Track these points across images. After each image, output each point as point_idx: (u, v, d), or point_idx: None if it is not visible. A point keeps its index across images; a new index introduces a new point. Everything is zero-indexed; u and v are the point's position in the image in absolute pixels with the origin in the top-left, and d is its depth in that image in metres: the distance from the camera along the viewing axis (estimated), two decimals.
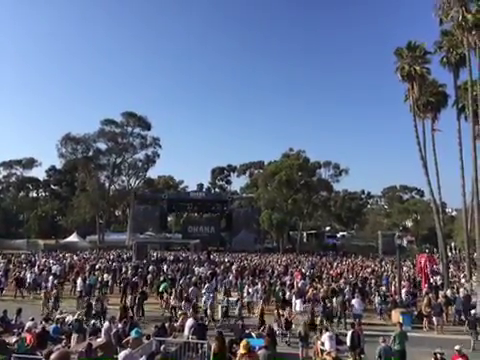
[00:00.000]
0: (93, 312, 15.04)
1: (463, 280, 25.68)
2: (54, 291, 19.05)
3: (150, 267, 27.43)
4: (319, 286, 20.80)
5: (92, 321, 13.15)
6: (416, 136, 25.30)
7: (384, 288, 21.69)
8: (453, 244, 60.22)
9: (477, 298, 19.25)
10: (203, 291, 18.78)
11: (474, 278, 22.82)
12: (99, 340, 11.39)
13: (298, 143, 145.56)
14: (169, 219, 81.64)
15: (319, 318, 15.70)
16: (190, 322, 12.23)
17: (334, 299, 17.62)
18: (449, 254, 40.06)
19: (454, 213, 70.46)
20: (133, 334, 10.13)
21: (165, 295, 18.56)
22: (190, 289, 18.93)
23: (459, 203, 26.59)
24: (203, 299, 17.71)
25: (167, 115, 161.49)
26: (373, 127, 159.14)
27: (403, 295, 19.70)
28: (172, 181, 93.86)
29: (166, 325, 12.19)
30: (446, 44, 25.10)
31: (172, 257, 39.67)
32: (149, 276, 23.91)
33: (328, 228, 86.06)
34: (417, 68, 24.67)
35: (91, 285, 20.91)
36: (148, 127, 63.53)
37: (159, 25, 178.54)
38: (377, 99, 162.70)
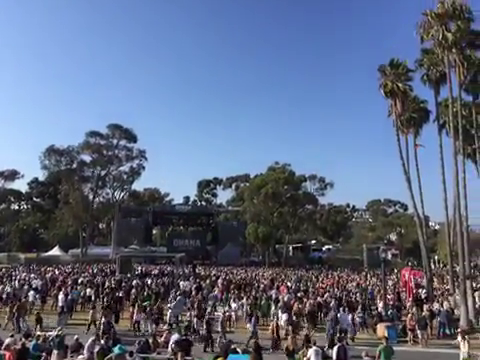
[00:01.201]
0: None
1: (446, 293, 25.99)
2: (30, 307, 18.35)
3: (134, 281, 27.01)
4: (305, 300, 20.73)
5: (75, 336, 12.78)
6: (399, 151, 25.73)
7: (381, 304, 21.35)
8: (436, 257, 60.98)
9: (460, 311, 19.52)
10: (169, 305, 18.60)
11: (457, 291, 23.07)
12: (81, 357, 11.08)
13: (284, 157, 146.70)
14: (154, 232, 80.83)
15: (307, 331, 15.61)
16: (174, 337, 12.05)
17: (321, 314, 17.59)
18: (433, 267, 40.49)
19: (437, 227, 71.59)
20: (116, 350, 9.91)
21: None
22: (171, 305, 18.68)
23: (442, 217, 26.99)
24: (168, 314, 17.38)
25: (153, 127, 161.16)
26: (358, 141, 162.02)
27: (380, 308, 19.78)
28: (158, 194, 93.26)
29: (150, 341, 11.97)
30: (427, 62, 25.72)
31: (157, 271, 39.10)
32: (133, 291, 23.48)
33: (314, 241, 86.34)
34: (400, 85, 25.22)
35: (73, 300, 20.43)
36: (134, 139, 63.32)
37: (146, 38, 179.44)
38: (362, 114, 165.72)
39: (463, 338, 12.53)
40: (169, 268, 42.62)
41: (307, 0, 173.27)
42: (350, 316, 17.17)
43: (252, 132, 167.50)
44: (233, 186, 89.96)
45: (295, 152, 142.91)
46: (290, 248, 72.71)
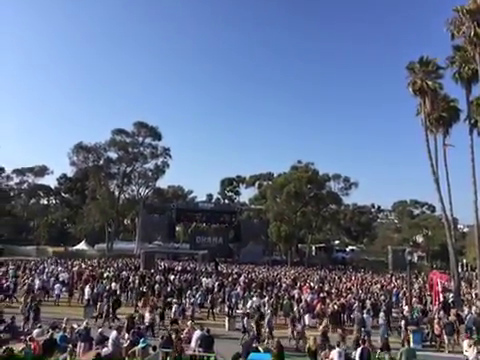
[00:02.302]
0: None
1: (475, 297, 25.19)
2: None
3: (157, 277, 27.40)
4: (328, 301, 20.53)
5: (99, 329, 13.11)
6: (428, 151, 25.14)
7: (406, 307, 20.90)
8: (465, 261, 59.12)
9: None
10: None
11: None
12: (105, 350, 11.36)
13: (307, 156, 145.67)
14: (177, 229, 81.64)
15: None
16: (197, 333, 12.16)
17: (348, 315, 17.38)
18: (460, 271, 39.32)
19: (466, 229, 69.35)
20: (140, 344, 10.10)
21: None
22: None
23: (471, 219, 26.17)
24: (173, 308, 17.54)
25: (178, 126, 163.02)
26: (384, 140, 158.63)
27: (405, 312, 19.36)
28: (181, 191, 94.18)
29: (172, 336, 12.11)
30: (458, 59, 24.99)
31: (180, 267, 39.55)
32: (156, 286, 23.84)
33: (337, 242, 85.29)
34: (429, 83, 24.64)
35: (99, 293, 20.92)
36: (159, 137, 64.07)
37: (171, 32, 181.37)
38: (388, 113, 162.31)
39: (473, 344, 12.23)
40: (192, 265, 43.02)
41: None
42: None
43: (275, 131, 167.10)
44: (256, 184, 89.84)
45: (319, 151, 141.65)
46: (313, 248, 72.06)
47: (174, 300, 19.39)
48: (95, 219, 63.26)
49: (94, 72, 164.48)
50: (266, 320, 15.61)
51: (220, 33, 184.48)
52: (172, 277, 28.79)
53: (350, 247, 79.67)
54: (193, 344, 11.90)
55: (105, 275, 27.84)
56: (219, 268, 40.42)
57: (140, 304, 19.61)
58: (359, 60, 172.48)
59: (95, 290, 20.87)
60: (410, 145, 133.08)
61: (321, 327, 14.41)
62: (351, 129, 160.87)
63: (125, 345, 11.33)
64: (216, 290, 24.28)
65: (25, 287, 21.61)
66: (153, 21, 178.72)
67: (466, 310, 19.29)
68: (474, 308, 19.99)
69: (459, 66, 25.06)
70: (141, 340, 10.51)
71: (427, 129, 25.80)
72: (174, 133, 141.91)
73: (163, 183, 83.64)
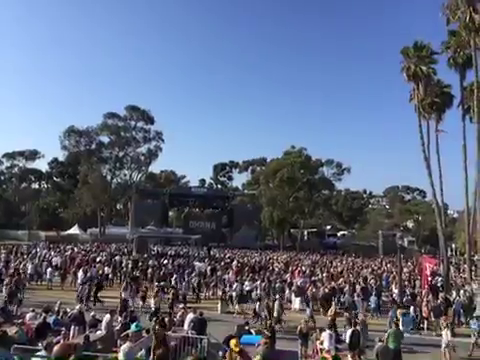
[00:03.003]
0: None
1: (459, 281, 25.70)
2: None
3: (150, 261, 27.50)
4: (319, 285, 20.79)
5: (92, 313, 13.17)
6: (420, 137, 25.22)
7: (396, 290, 21.37)
8: (454, 246, 60.10)
9: (477, 300, 19.24)
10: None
11: (475, 280, 22.77)
12: (99, 333, 11.42)
13: (300, 141, 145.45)
14: (170, 214, 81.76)
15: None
16: (190, 316, 12.26)
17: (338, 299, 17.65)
18: (450, 255, 39.97)
19: (456, 215, 70.28)
20: (133, 328, 10.14)
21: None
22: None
23: (461, 205, 26.52)
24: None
25: (170, 110, 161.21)
26: (377, 126, 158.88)
27: (395, 295, 19.71)
28: (174, 176, 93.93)
29: (165, 319, 12.19)
30: (453, 44, 24.89)
31: (173, 252, 39.70)
32: (149, 270, 23.95)
33: (329, 227, 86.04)
34: (423, 68, 24.53)
35: (92, 277, 20.96)
36: (151, 121, 63.56)
37: (162, 23, 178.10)
38: (381, 98, 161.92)
39: (447, 326, 12.54)
40: (185, 249, 43.19)
41: None
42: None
43: (269, 116, 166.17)
44: (249, 170, 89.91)
45: (312, 136, 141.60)
46: (305, 233, 72.69)
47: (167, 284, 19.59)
48: (87, 204, 62.97)
49: (83, 56, 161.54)
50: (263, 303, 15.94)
51: (211, 20, 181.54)
52: (165, 261, 28.96)
53: (341, 232, 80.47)
54: (186, 327, 12.00)
55: (98, 259, 27.87)
56: (212, 253, 40.67)
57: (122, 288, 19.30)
58: (352, 44, 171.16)
59: (88, 274, 20.91)
60: (403, 131, 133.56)
61: (330, 313, 14.41)
62: (345, 115, 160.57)
63: (117, 328, 11.40)
64: (209, 274, 24.47)
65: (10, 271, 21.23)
66: (140, 5, 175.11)
67: (454, 294, 19.66)
68: (462, 292, 20.39)
69: (454, 51, 25.00)
70: (134, 324, 10.55)
71: (420, 115, 25.84)
72: (167, 117, 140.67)
73: (156, 168, 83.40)
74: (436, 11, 23.01)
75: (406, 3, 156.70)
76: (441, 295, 19.02)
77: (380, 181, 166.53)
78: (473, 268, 24.27)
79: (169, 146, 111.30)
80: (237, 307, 17.84)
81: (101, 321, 12.03)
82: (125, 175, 66.29)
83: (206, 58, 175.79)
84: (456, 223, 62.16)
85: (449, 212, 66.76)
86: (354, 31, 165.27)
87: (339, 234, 77.94)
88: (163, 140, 64.84)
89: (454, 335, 13.96)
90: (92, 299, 17.90)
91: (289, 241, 68.34)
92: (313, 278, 23.44)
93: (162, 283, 20.01)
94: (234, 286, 19.38)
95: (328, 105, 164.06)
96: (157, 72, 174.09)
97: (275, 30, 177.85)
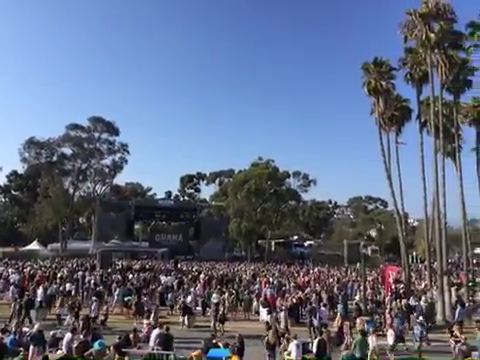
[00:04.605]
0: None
1: (424, 288, 26.60)
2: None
3: (114, 276, 26.77)
4: (287, 295, 20.89)
5: (51, 332, 12.58)
6: (381, 149, 26.09)
7: (357, 297, 21.94)
8: (415, 253, 62.26)
9: (437, 306, 19.98)
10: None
11: (435, 287, 23.64)
12: (59, 352, 10.91)
13: (268, 152, 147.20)
14: (136, 227, 79.94)
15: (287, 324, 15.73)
16: (156, 332, 11.95)
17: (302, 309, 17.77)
18: (411, 263, 41.31)
19: (416, 223, 72.97)
20: (96, 346, 9.79)
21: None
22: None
23: (421, 214, 27.51)
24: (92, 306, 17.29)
25: (136, 122, 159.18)
26: (342, 138, 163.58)
27: (358, 302, 20.12)
28: (140, 188, 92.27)
29: (130, 336, 11.85)
30: (410, 61, 26.05)
31: (138, 266, 38.76)
32: (114, 285, 23.23)
33: (296, 237, 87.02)
34: (383, 83, 25.53)
35: (52, 295, 20.09)
36: (116, 132, 62.49)
37: (127, 29, 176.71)
38: (345, 112, 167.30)
39: (374, 332, 12.98)
40: (151, 263, 42.32)
41: None
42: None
43: (236, 128, 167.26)
44: (216, 181, 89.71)
45: (279, 148, 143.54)
46: (272, 243, 73.07)
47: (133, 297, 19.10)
48: (48, 218, 60.68)
49: (45, 64, 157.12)
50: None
51: (175, 27, 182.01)
52: (130, 276, 28.23)
53: (308, 242, 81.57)
54: (152, 343, 11.69)
55: (59, 275, 26.77)
56: (179, 266, 40.08)
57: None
58: (317, 58, 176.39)
59: (48, 291, 20.03)
60: (366, 143, 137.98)
61: (336, 322, 15.02)
62: (312, 127, 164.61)
63: (75, 346, 10.88)
64: (176, 288, 24.05)
65: None
66: (105, 13, 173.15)
67: (412, 300, 20.27)
68: (423, 298, 21.10)
69: (411, 68, 26.15)
70: (97, 342, 10.18)
71: (381, 127, 26.77)
72: (133, 129, 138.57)
73: (121, 180, 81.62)
74: (395, 29, 23.88)
75: (371, 21, 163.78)
76: (403, 302, 19.59)
77: (345, 191, 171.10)
78: (433, 275, 25.17)
79: (135, 158, 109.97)
80: (181, 319, 17.54)
81: (62, 339, 11.52)
82: (88, 188, 64.60)
83: (171, 68, 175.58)
84: (416, 231, 64.55)
85: (409, 221, 69.18)
86: (318, 44, 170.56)
87: (306, 244, 78.94)
88: (128, 152, 63.98)
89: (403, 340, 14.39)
90: (22, 318, 16.66)
91: (257, 252, 68.48)
92: (282, 289, 23.55)
93: (126, 298, 19.47)
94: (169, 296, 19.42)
95: (296, 118, 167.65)
96: (122, 82, 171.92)
97: (241, 37, 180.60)
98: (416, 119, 27.20)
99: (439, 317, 20.36)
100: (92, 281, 24.27)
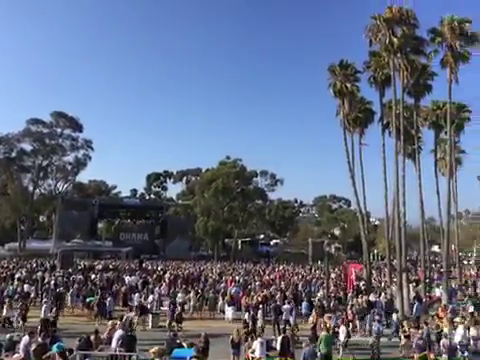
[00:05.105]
0: None
1: (384, 284, 27.54)
2: None
3: (74, 276, 26.00)
4: (252, 293, 21.01)
5: (8, 335, 12.01)
6: (345, 149, 26.78)
7: (320, 294, 22.38)
8: (376, 251, 64.32)
9: (396, 302, 20.70)
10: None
11: (394, 284, 24.48)
12: (16, 356, 10.42)
13: (235, 152, 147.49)
14: (100, 226, 77.96)
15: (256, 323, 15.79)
16: (118, 333, 11.67)
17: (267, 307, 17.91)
18: (372, 260, 42.62)
19: (377, 222, 75.39)
20: (55, 349, 9.41)
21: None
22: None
23: (382, 213, 28.44)
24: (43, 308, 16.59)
25: (101, 117, 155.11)
26: (308, 139, 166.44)
27: (321, 299, 20.58)
28: (104, 186, 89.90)
29: (91, 337, 11.50)
30: (374, 64, 26.80)
31: (101, 266, 37.76)
32: (75, 286, 22.50)
33: (262, 236, 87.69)
34: (348, 85, 26.20)
35: (9, 297, 19.20)
36: (79, 128, 60.80)
37: (92, 21, 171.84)
38: (311, 113, 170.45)
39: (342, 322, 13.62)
40: (115, 263, 41.39)
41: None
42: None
43: (204, 127, 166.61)
44: (184, 180, 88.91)
45: (247, 148, 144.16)
46: (239, 242, 73.37)
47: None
48: (6, 216, 58.21)
49: (7, 56, 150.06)
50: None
51: (152, 17, 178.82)
52: (93, 276, 27.47)
53: (274, 241, 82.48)
54: (114, 344, 11.40)
55: (17, 276, 25.63)
56: (144, 265, 39.41)
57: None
58: (284, 60, 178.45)
59: (5, 293, 19.16)
60: (331, 143, 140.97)
61: (311, 320, 15.28)
62: (279, 127, 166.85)
63: (32, 349, 10.42)
64: (140, 288, 23.62)
65: None
66: (75, 6, 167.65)
67: (372, 296, 20.93)
68: (383, 294, 21.83)
69: (374, 71, 26.91)
70: (55, 344, 9.80)
71: (345, 129, 27.47)
72: (98, 125, 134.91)
73: (84, 177, 79.38)
74: (360, 33, 24.44)
75: (334, 25, 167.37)
76: (364, 298, 20.17)
77: (310, 190, 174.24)
78: (392, 272, 26.06)
79: (99, 155, 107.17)
80: (136, 319, 17.20)
81: (19, 343, 11.02)
82: (49, 185, 62.67)
83: (138, 65, 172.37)
84: (377, 230, 66.73)
85: (371, 220, 71.37)
86: (284, 46, 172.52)
87: (272, 243, 79.80)
88: (92, 148, 62.60)
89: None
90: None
91: (223, 251, 68.52)
92: (247, 287, 23.67)
93: (89, 299, 18.94)
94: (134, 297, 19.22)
95: (263, 117, 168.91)
96: (87, 77, 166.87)
97: (212, 38, 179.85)
98: (379, 121, 28.03)
99: (399, 312, 21.09)
100: (52, 282, 23.41)
